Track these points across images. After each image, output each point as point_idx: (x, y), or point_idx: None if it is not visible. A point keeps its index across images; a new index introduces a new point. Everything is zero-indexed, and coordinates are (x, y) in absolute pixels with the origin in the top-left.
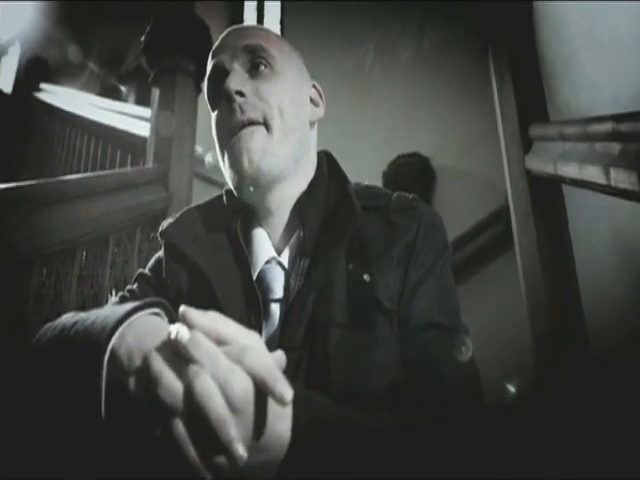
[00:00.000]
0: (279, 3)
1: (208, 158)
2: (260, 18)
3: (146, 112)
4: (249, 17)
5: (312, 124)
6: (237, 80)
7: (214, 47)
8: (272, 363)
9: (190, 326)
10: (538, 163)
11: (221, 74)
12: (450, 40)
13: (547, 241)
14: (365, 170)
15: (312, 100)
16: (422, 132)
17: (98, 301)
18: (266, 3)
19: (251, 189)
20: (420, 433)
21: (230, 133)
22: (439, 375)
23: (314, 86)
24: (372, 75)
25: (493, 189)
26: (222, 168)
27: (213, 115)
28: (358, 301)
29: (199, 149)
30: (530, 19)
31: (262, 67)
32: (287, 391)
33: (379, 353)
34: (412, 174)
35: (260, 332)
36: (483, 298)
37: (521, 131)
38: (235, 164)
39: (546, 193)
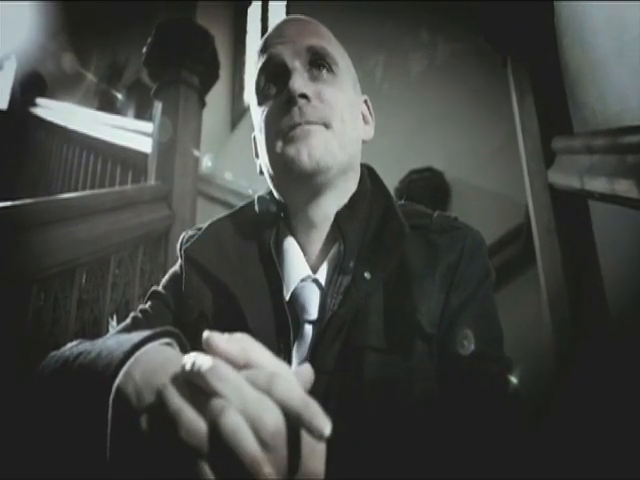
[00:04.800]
0: (284, 15)
1: (206, 162)
2: (264, 29)
3: (147, 127)
4: (253, 28)
5: (363, 142)
6: (301, 82)
7: (268, 35)
8: (305, 394)
9: (214, 354)
10: (562, 177)
11: (279, 68)
12: (464, 50)
13: (572, 258)
14: None
15: (363, 117)
16: (436, 148)
17: (98, 326)
18: (270, 14)
19: (302, 191)
20: (456, 463)
21: (281, 132)
22: (478, 406)
23: (365, 101)
24: (382, 89)
25: (511, 204)
26: (264, 168)
27: (259, 109)
28: (397, 324)
29: (196, 152)
30: (552, 24)
31: (325, 71)
32: (325, 425)
33: (416, 379)
34: (426, 189)
35: (291, 355)
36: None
37: (543, 144)
38: (293, 160)
39: (570, 208)
